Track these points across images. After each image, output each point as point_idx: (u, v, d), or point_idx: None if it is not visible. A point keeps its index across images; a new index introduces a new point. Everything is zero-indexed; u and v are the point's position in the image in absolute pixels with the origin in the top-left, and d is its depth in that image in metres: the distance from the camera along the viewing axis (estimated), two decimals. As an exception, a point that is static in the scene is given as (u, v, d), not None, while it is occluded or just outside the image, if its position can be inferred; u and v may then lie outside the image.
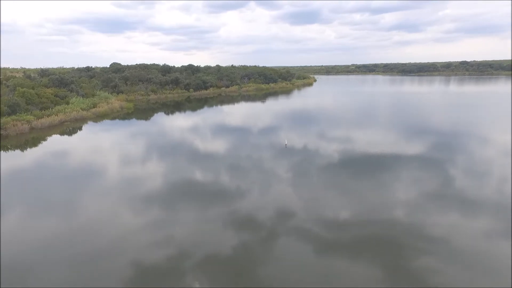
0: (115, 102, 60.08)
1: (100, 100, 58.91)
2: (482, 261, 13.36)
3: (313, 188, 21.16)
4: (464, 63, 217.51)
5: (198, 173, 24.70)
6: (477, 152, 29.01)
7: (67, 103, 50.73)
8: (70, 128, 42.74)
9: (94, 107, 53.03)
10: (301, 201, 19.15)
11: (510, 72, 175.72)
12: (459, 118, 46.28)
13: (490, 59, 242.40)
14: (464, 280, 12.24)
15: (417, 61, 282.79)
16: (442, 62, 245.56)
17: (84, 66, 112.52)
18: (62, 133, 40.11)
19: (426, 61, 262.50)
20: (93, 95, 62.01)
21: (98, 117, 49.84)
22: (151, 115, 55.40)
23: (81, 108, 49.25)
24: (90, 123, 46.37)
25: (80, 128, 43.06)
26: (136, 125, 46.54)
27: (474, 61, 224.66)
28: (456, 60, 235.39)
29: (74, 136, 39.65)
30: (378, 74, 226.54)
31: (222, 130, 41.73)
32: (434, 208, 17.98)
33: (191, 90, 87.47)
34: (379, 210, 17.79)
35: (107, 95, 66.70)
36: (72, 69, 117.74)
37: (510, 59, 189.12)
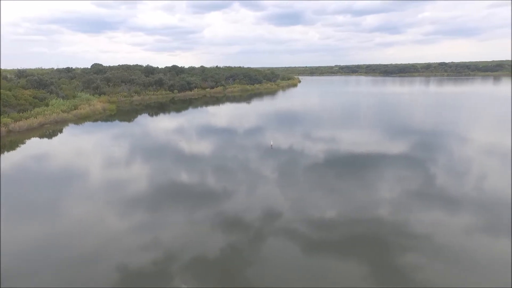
0: (97, 103, 58.75)
1: (81, 101, 57.49)
2: (465, 256, 13.65)
3: (299, 188, 21.27)
4: (442, 64, 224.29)
5: (183, 175, 24.47)
6: (457, 151, 29.84)
7: (47, 105, 49.21)
8: (50, 130, 41.49)
9: (75, 109, 51.67)
10: (287, 202, 19.20)
11: (488, 73, 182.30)
12: (440, 118, 47.59)
13: (467, 61, 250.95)
14: (448, 275, 12.49)
15: (398, 62, 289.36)
16: (422, 63, 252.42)
17: (64, 67, 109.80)
18: (42, 136, 38.90)
19: (406, 62, 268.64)
20: (74, 97, 60.41)
21: (80, 119, 48.60)
22: (135, 117, 54.50)
23: (61, 110, 47.88)
24: (71, 125, 45.16)
25: (61, 131, 41.87)
26: (120, 127, 45.67)
27: (452, 62, 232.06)
28: (435, 61, 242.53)
29: (55, 139, 38.54)
30: (361, 75, 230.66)
31: (207, 131, 41.49)
32: (417, 206, 18.34)
33: (175, 91, 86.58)
34: (365, 209, 17.94)
35: (88, 96, 65.17)
36: (51, 70, 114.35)
37: (510, 59, 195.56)
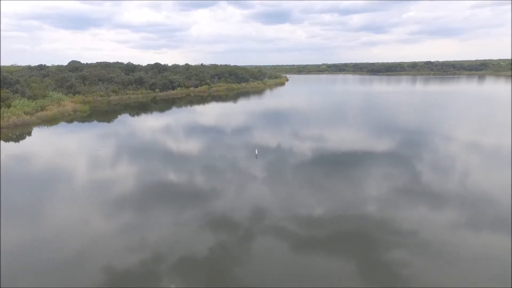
0: (68, 104, 54.06)
1: (51, 102, 52.68)
2: (449, 251, 13.64)
3: (286, 187, 19.94)
4: (428, 63, 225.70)
5: (159, 181, 20.90)
6: (443, 149, 29.43)
7: (8, 106, 44.41)
8: (10, 134, 36.94)
9: (41, 110, 46.94)
10: (274, 200, 17.64)
11: (473, 72, 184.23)
12: (427, 117, 45.62)
13: (450, 60, 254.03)
14: (433, 270, 12.46)
15: (384, 61, 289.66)
16: (408, 62, 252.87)
17: (43, 64, 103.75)
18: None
19: (392, 61, 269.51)
20: (44, 97, 55.43)
21: (45, 122, 43.80)
22: (110, 119, 50.06)
23: (24, 112, 43.13)
24: (35, 129, 40.53)
25: (19, 137, 37.36)
26: (90, 130, 41.33)
27: (437, 61, 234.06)
28: (421, 60, 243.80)
29: (15, 144, 34.14)
30: (348, 73, 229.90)
31: (189, 133, 37.78)
32: (404, 202, 18.45)
33: (157, 90, 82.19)
34: (353, 206, 17.83)
35: (60, 96, 60.27)
36: (24, 67, 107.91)
37: (510, 58, 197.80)
